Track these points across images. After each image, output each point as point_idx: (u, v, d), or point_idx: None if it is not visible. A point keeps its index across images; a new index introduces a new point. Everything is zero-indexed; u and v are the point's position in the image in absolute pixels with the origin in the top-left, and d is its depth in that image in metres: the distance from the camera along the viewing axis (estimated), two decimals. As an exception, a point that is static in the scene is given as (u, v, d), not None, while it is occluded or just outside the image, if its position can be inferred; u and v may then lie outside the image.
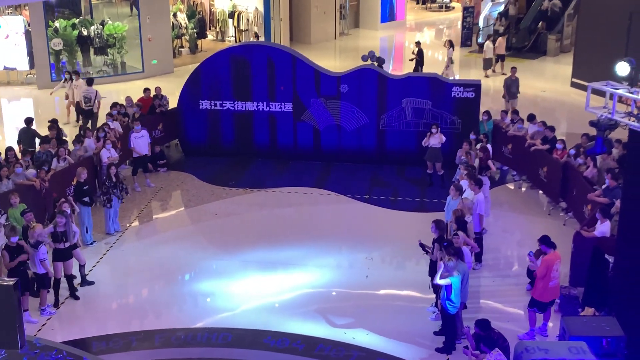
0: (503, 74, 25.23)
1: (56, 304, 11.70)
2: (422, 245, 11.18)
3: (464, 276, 10.29)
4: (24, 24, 24.44)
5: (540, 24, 29.63)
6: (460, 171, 13.79)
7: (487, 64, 25.91)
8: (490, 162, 14.77)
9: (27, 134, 16.70)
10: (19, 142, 16.63)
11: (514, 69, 21.09)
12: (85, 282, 12.31)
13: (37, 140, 16.28)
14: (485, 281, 12.44)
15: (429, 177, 16.32)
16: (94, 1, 26.87)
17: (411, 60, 24.88)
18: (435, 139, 15.90)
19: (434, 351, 10.53)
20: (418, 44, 24.79)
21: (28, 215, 11.85)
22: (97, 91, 19.42)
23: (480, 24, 31.11)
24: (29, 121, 16.89)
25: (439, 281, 10.19)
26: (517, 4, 30.91)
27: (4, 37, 24.15)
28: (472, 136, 15.62)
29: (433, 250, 11.01)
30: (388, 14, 34.85)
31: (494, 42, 25.93)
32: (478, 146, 15.16)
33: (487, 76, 25.51)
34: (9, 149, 14.80)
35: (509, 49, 27.98)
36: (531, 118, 16.92)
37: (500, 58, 26.17)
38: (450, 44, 24.60)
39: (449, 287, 10.09)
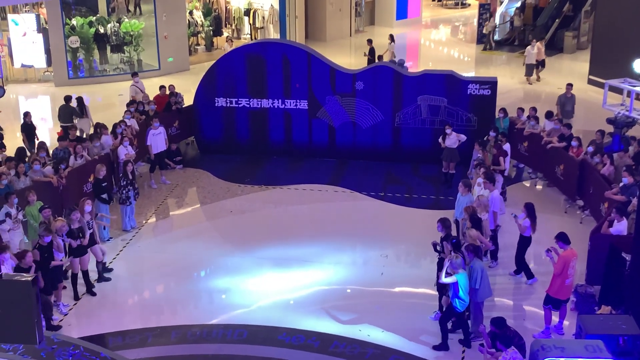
0: (538, 79, 24.63)
1: (76, 297, 11.85)
2: (434, 246, 11.13)
3: (482, 273, 10.26)
4: (42, 21, 24.65)
5: (567, 5, 29.21)
6: (474, 169, 13.70)
7: (529, 70, 24.40)
8: (501, 159, 14.65)
9: (65, 111, 17.60)
10: (59, 118, 17.75)
11: (569, 86, 18.68)
12: (102, 278, 12.41)
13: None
14: (501, 279, 12.40)
15: (444, 176, 16.27)
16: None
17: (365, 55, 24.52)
18: (451, 140, 15.82)
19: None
20: (370, 42, 24.41)
21: (46, 211, 11.95)
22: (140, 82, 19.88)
23: (497, 20, 30.93)
24: (68, 99, 17.78)
25: (444, 280, 10.16)
26: (521, 16, 30.62)
27: (21, 35, 24.35)
28: (492, 133, 15.53)
29: (443, 248, 10.97)
30: (403, 11, 34.77)
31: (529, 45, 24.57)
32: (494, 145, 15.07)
33: (529, 83, 24.30)
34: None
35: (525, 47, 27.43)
36: (548, 115, 16.83)
37: (540, 64, 24.63)
38: (392, 38, 24.98)
39: (456, 285, 10.07)
